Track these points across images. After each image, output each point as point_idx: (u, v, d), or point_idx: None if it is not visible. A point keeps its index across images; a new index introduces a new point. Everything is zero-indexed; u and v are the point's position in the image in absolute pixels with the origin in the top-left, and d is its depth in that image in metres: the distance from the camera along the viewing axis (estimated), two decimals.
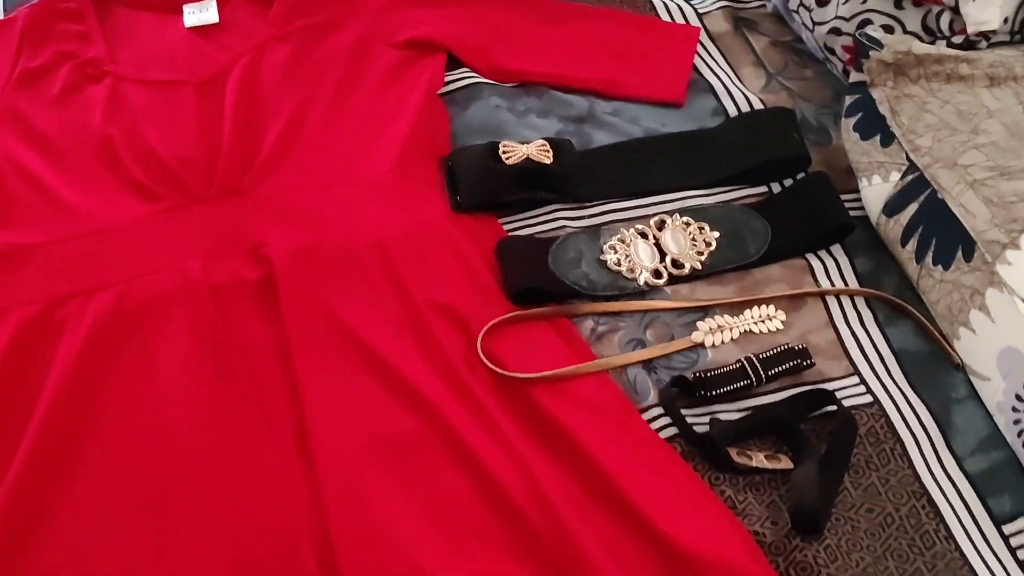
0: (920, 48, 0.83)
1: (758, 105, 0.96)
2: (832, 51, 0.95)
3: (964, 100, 0.83)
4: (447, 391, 0.75)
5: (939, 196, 0.79)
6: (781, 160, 0.90)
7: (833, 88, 0.98)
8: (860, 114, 0.87)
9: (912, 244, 0.81)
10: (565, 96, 0.97)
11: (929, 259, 0.80)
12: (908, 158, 0.82)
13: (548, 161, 0.87)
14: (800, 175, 0.91)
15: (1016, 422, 0.72)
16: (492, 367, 0.76)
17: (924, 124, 0.82)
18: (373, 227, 0.84)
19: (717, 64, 1.01)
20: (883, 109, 0.84)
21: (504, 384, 0.76)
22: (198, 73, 0.93)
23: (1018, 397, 0.72)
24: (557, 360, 0.78)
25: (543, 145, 0.88)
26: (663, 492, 0.70)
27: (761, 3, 1.06)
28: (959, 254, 0.77)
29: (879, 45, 0.84)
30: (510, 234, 0.86)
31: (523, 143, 0.88)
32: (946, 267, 0.78)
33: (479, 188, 0.87)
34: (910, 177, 0.82)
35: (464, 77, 0.97)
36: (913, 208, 0.81)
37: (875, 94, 0.85)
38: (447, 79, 0.97)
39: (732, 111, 0.96)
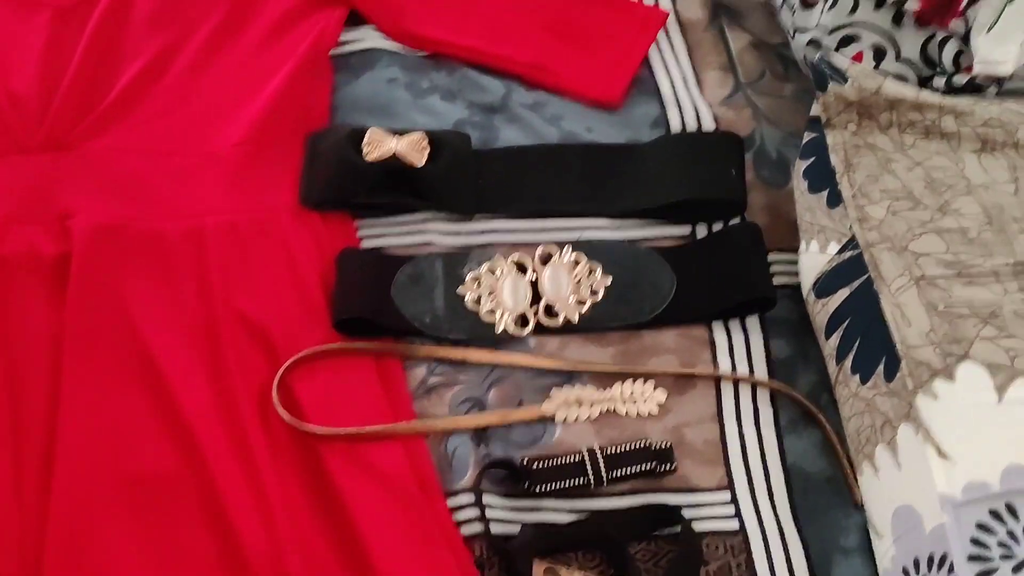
0: (893, 89, 0.64)
1: (709, 123, 0.78)
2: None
3: (941, 165, 0.64)
4: (223, 432, 0.63)
5: (875, 287, 0.62)
6: (710, 200, 0.73)
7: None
8: (813, 158, 0.69)
9: (835, 339, 0.64)
10: (480, 77, 0.80)
11: (848, 363, 0.63)
12: (852, 228, 0.65)
13: (419, 163, 0.72)
14: (734, 220, 0.74)
15: None
16: (282, 412, 0.64)
17: (881, 188, 0.64)
18: (198, 210, 0.71)
19: (676, 61, 0.82)
20: (835, 159, 0.66)
21: (295, 433, 0.64)
22: None
23: (905, 572, 0.56)
24: (368, 413, 0.64)
25: (419, 140, 0.72)
26: None
27: None
28: (881, 368, 0.60)
29: (842, 77, 0.65)
30: (362, 245, 0.73)
31: (398, 133, 0.73)
32: (864, 379, 0.61)
33: (329, 185, 0.72)
34: (848, 254, 0.64)
35: (365, 39, 0.82)
36: (844, 294, 0.64)
37: (830, 138, 0.67)
38: (345, 39, 0.81)
39: (676, 126, 0.78)
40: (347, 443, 0.63)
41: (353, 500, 0.61)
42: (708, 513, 0.63)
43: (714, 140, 0.75)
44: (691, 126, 0.78)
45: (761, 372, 0.68)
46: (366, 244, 0.73)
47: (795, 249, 0.71)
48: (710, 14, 0.84)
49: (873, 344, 0.61)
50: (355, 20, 0.82)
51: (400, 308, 0.68)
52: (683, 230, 0.74)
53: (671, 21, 0.83)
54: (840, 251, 0.64)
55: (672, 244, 0.73)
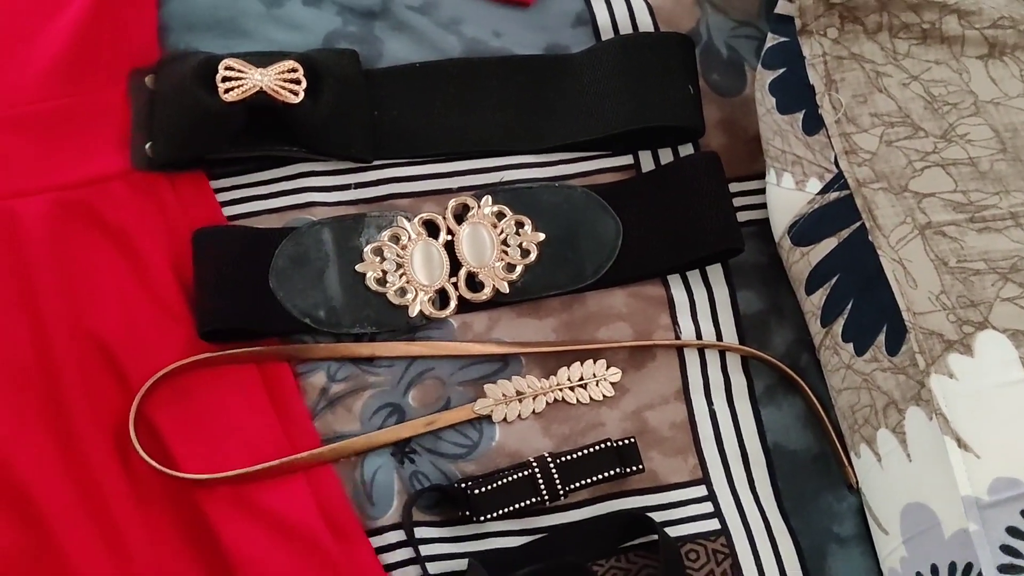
0: None
1: (645, 17, 0.63)
2: None
3: (942, 78, 0.52)
4: (71, 495, 0.48)
5: (870, 238, 0.51)
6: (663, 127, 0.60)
7: None
8: (783, 70, 0.56)
9: (820, 296, 0.54)
10: None
11: (838, 328, 0.53)
12: (837, 163, 0.53)
13: (294, 100, 0.55)
14: (683, 146, 0.61)
15: None
16: (144, 457, 0.50)
17: (873, 111, 0.52)
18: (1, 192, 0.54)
19: None
20: (814, 74, 0.53)
21: (164, 483, 0.50)
22: None
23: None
24: (257, 442, 0.51)
25: (291, 70, 0.55)
26: None
27: None
28: (881, 338, 0.51)
29: None
30: (224, 214, 0.56)
31: (259, 64, 0.55)
32: (859, 350, 0.52)
33: (175, 138, 0.55)
34: (834, 195, 0.53)
35: None
36: (830, 245, 0.53)
37: (806, 47, 0.54)
38: None
39: (605, 24, 0.63)
40: (233, 486, 0.50)
41: (245, 558, 0.48)
42: (683, 514, 0.53)
43: (660, 45, 0.59)
44: (623, 23, 0.63)
45: (730, 333, 0.57)
46: (229, 213, 0.57)
47: (758, 176, 0.60)
48: None
49: (870, 309, 0.51)
50: None
51: (284, 303, 0.53)
52: (623, 160, 0.61)
53: None
54: (823, 191, 0.53)
55: (611, 182, 0.60)
